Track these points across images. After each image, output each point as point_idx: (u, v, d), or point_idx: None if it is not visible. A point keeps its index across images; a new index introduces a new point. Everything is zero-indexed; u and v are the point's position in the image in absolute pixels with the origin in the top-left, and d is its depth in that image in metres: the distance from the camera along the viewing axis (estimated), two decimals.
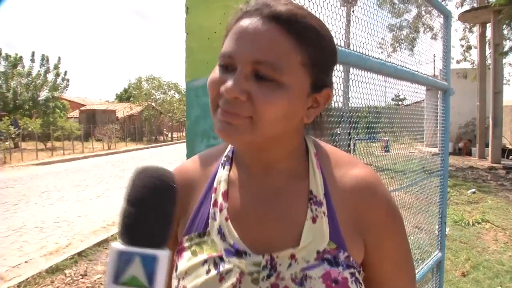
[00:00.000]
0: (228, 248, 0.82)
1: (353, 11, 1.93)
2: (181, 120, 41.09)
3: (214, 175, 0.91)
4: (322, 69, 0.81)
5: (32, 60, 27.67)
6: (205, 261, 0.82)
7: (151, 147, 29.32)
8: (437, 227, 2.99)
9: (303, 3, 1.35)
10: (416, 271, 2.48)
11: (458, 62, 21.32)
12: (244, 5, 0.80)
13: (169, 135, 40.19)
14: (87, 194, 10.65)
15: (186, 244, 0.86)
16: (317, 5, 1.46)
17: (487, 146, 16.37)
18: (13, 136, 22.13)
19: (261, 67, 0.73)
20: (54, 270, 5.14)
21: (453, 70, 16.91)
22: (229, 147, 0.94)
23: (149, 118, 36.76)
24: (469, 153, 17.97)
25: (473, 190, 9.88)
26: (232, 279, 0.79)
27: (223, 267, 0.80)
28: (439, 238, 2.96)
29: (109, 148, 25.95)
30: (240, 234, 0.83)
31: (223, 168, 0.91)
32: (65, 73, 29.07)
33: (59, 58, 29.13)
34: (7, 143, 20.21)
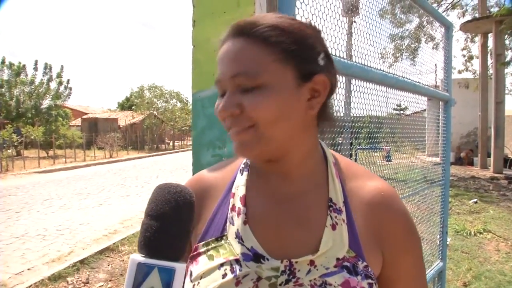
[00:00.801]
0: (246, 252, 0.82)
1: (354, 22, 1.95)
2: (183, 129, 41.09)
3: (232, 181, 0.93)
4: (302, 58, 0.81)
5: (35, 69, 27.80)
6: (222, 265, 0.82)
7: (153, 155, 29.31)
8: (438, 236, 3.00)
9: (304, 15, 1.38)
10: None
11: (460, 72, 21.35)
12: (227, 30, 0.84)
13: (171, 144, 40.18)
14: (89, 202, 10.65)
15: (201, 250, 0.86)
16: (318, 17, 1.48)
17: (489, 156, 16.35)
18: (15, 144, 22.16)
19: (238, 79, 0.78)
20: (56, 278, 5.15)
21: (455, 80, 16.98)
22: None
23: (151, 126, 36.78)
24: (471, 163, 17.94)
25: (475, 200, 9.86)
26: (249, 284, 0.79)
27: (240, 270, 0.80)
28: (441, 248, 2.97)
29: (110, 157, 25.96)
30: (259, 238, 0.83)
31: (241, 174, 0.93)
32: (68, 81, 29.16)
33: (62, 66, 29.22)
34: (9, 151, 20.24)
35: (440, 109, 3.06)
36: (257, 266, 0.80)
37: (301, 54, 0.81)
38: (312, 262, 0.79)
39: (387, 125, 2.45)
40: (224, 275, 0.80)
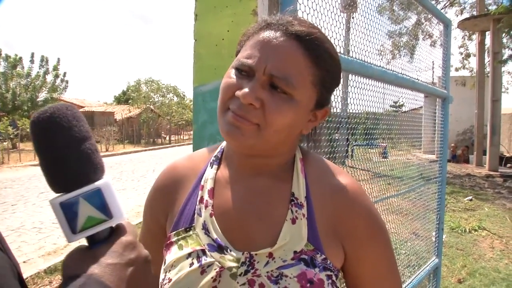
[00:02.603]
0: (211, 243, 0.86)
1: (353, 18, 1.96)
2: (180, 123, 41.02)
3: (202, 174, 0.96)
4: (328, 90, 0.88)
5: (32, 61, 27.64)
6: (189, 254, 0.86)
7: (149, 149, 29.25)
8: (434, 233, 3.02)
9: (303, 10, 1.39)
10: (413, 277, 2.51)
11: (457, 69, 21.37)
12: (268, 17, 0.86)
13: (167, 138, 40.12)
14: None
15: (173, 239, 0.90)
16: (317, 12, 1.49)
17: (484, 154, 16.41)
18: (11, 136, 22.07)
19: (277, 80, 0.79)
20: (52, 271, 5.14)
21: (452, 78, 16.96)
22: (219, 148, 1.00)
23: (148, 120, 36.68)
24: (467, 161, 18.00)
25: (470, 197, 9.90)
26: (212, 273, 0.82)
27: (205, 260, 0.84)
28: (436, 245, 2.99)
29: (106, 150, 25.90)
30: (223, 230, 0.87)
31: (211, 167, 0.96)
32: (64, 74, 29.03)
33: (59, 59, 29.04)
34: (5, 143, 20.16)
35: (437, 106, 3.07)
36: (220, 257, 0.84)
37: (329, 85, 0.88)
38: (270, 255, 0.83)
39: (384, 122, 2.46)
40: (191, 264, 0.85)
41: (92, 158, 0.63)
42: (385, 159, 2.63)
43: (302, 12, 1.37)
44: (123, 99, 50.43)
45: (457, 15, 20.57)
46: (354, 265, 0.89)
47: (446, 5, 19.92)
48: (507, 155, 17.95)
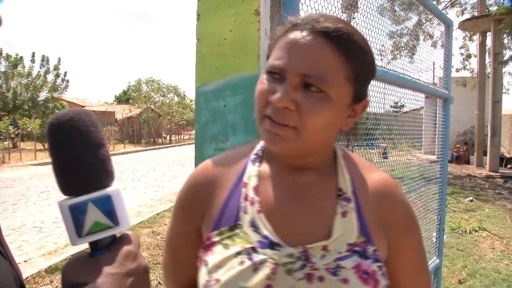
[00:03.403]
0: (262, 240, 0.84)
1: (353, 18, 1.96)
2: (180, 123, 41.03)
3: (242, 171, 0.95)
4: (363, 83, 0.88)
5: (33, 61, 27.61)
6: (238, 253, 0.84)
7: (150, 149, 29.25)
8: (435, 234, 3.02)
9: (305, 10, 1.39)
10: None
11: (457, 70, 21.38)
12: (293, 18, 0.85)
13: (168, 138, 40.13)
14: None
15: (215, 239, 0.88)
16: (319, 12, 1.49)
17: (485, 154, 16.40)
18: (12, 136, 22.08)
19: (310, 79, 0.79)
20: (53, 270, 5.14)
21: (453, 78, 16.93)
22: (258, 146, 0.99)
23: (148, 120, 36.70)
24: (467, 161, 18.00)
25: (471, 198, 9.90)
26: (266, 270, 0.81)
27: (257, 258, 0.82)
28: (437, 245, 2.99)
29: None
30: (273, 226, 0.85)
31: (253, 164, 0.95)
32: (65, 74, 28.97)
33: (59, 59, 28.99)
34: (6, 143, 20.15)
35: (438, 107, 3.07)
36: (274, 253, 0.82)
37: (365, 78, 0.88)
38: (325, 248, 0.83)
39: (384, 122, 2.46)
40: (242, 263, 0.82)
41: (106, 164, 0.64)
42: (386, 160, 2.63)
43: (304, 12, 1.38)
44: (123, 98, 50.46)
45: (458, 16, 20.59)
46: (394, 257, 0.90)
47: (447, 5, 19.91)
48: (508, 156, 17.93)
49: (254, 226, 0.86)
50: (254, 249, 0.84)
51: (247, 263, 0.82)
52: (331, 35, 0.80)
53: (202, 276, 0.87)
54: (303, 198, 0.89)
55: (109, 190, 0.63)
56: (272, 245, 0.83)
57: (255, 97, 0.85)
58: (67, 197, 0.63)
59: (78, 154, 0.62)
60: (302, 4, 1.35)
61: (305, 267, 0.81)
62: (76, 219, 0.61)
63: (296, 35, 0.81)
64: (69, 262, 0.64)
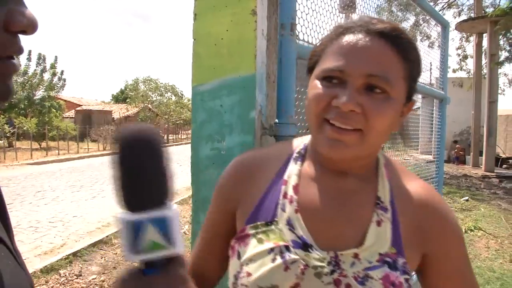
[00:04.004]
0: (296, 239, 0.84)
1: (351, 18, 1.96)
2: (177, 122, 41.01)
3: (283, 168, 0.94)
4: (415, 81, 0.88)
5: (29, 59, 27.49)
6: (272, 250, 0.84)
7: None
8: None
9: (302, 10, 1.39)
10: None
11: (454, 71, 21.48)
12: (343, 22, 0.86)
13: (165, 137, 40.11)
14: (82, 194, 10.62)
15: (250, 231, 0.88)
16: (316, 12, 1.49)
17: (481, 154, 16.47)
18: (7, 135, 22.01)
19: (374, 80, 0.79)
20: (48, 270, 5.13)
21: (449, 79, 17.01)
22: (302, 144, 0.98)
23: (145, 119, 36.65)
24: (463, 162, 18.07)
25: (467, 198, 9.94)
26: (297, 270, 0.81)
27: (289, 257, 0.82)
28: None
29: (104, 149, 25.86)
30: (309, 228, 0.85)
31: (295, 163, 0.94)
32: (62, 72, 28.87)
33: (56, 57, 28.87)
34: (1, 142, 20.11)
35: (434, 107, 3.08)
36: (305, 255, 0.83)
37: (416, 76, 0.89)
38: (356, 255, 0.83)
39: None
40: (274, 260, 0.83)
41: (169, 184, 0.64)
42: None
43: (301, 12, 1.38)
44: (121, 98, 50.40)
45: (455, 17, 20.69)
46: (442, 267, 0.89)
47: (444, 6, 20.00)
48: (503, 156, 18.03)
49: (290, 224, 0.86)
50: (287, 248, 0.84)
51: (279, 260, 0.82)
52: (388, 35, 0.81)
53: (234, 266, 0.89)
54: (341, 203, 0.89)
55: (168, 211, 0.63)
56: (305, 246, 0.84)
57: (310, 102, 0.84)
58: (126, 211, 0.63)
59: (148, 172, 0.62)
60: (299, 4, 1.35)
61: (335, 272, 0.81)
62: (135, 236, 0.62)
63: (353, 37, 0.81)
64: (122, 279, 0.65)
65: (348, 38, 0.81)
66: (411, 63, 0.84)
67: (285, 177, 0.92)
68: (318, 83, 0.83)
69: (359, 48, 0.80)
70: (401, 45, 0.82)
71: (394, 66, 0.81)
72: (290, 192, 0.90)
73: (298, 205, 0.88)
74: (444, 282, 0.90)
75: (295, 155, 0.96)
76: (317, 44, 0.89)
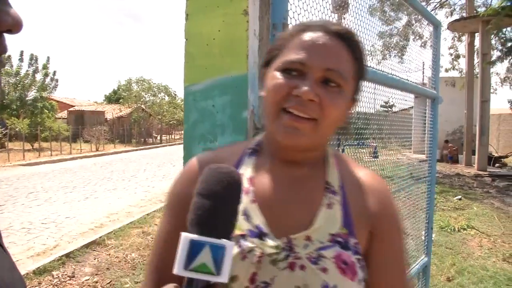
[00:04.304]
0: (252, 229, 0.88)
1: (344, 18, 1.96)
2: (171, 122, 40.91)
3: (238, 163, 0.98)
4: (360, 82, 0.96)
5: (21, 60, 27.28)
6: None
7: (140, 149, 29.15)
8: (423, 232, 3.04)
9: (294, 10, 1.39)
10: None
11: (446, 70, 21.62)
12: (303, 22, 0.94)
13: (158, 138, 39.99)
14: (75, 195, 10.57)
15: None
16: (308, 12, 1.49)
17: (473, 153, 16.56)
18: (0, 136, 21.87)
19: (331, 74, 0.86)
20: (41, 271, 5.11)
21: (442, 78, 17.16)
22: (254, 141, 1.03)
23: (139, 120, 36.54)
24: (456, 161, 18.17)
25: (459, 196, 10.00)
26: (253, 258, 0.85)
27: (246, 245, 0.86)
28: (426, 243, 3.01)
29: (97, 150, 25.77)
30: (265, 216, 0.89)
31: (249, 157, 0.99)
32: (54, 73, 28.69)
33: (48, 58, 28.68)
34: None
35: (427, 107, 3.09)
36: (261, 243, 0.87)
37: (362, 77, 0.96)
38: (308, 238, 0.87)
39: (374, 122, 2.47)
40: None
41: (234, 220, 0.73)
42: (376, 159, 2.64)
43: (293, 12, 1.38)
44: (113, 98, 50.13)
45: (447, 17, 20.80)
46: (374, 252, 0.93)
47: (436, 6, 20.10)
48: (496, 155, 18.15)
49: (246, 215, 0.89)
50: (243, 237, 0.87)
51: (236, 250, 0.85)
52: (344, 36, 0.89)
53: None
54: (295, 190, 0.93)
55: (226, 242, 0.69)
56: (261, 235, 0.87)
57: (270, 92, 0.88)
58: (191, 231, 0.70)
59: (227, 205, 0.72)
60: (291, 4, 1.35)
61: (289, 257, 0.85)
62: (190, 253, 0.67)
63: (313, 35, 0.88)
64: None
65: (309, 35, 0.88)
66: (360, 64, 0.93)
67: (240, 170, 0.96)
68: (278, 74, 0.88)
69: (319, 44, 0.87)
70: (353, 47, 0.91)
71: (347, 64, 0.89)
72: (246, 184, 0.93)
73: (255, 195, 0.92)
74: (382, 262, 0.93)
75: (249, 150, 1.01)
76: (275, 40, 0.95)
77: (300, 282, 0.84)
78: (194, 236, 0.68)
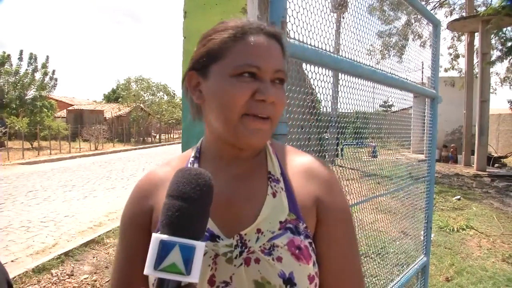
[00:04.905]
0: None
1: (343, 17, 1.96)
2: (170, 122, 40.89)
3: None
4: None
5: (20, 59, 27.29)
6: None
7: (139, 148, 29.14)
8: (422, 232, 3.04)
9: (293, 8, 1.39)
10: (401, 275, 2.53)
11: (446, 70, 21.58)
12: (238, 24, 0.92)
13: (157, 137, 39.98)
14: (74, 194, 10.57)
15: None
16: (308, 11, 1.49)
17: (472, 154, 16.56)
18: None
19: (279, 74, 0.91)
20: (40, 270, 5.10)
21: (441, 78, 17.15)
22: (195, 148, 1.05)
23: (137, 119, 36.52)
24: (455, 161, 18.17)
25: (458, 197, 10.00)
26: (208, 261, 0.87)
27: None
28: (425, 243, 3.01)
29: (96, 149, 25.76)
30: (214, 219, 0.90)
31: (193, 165, 1.00)
32: (53, 72, 28.70)
33: (47, 57, 28.71)
34: None
35: (426, 107, 3.09)
36: (214, 245, 0.89)
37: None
38: (259, 230, 0.89)
39: (374, 121, 2.47)
40: None
41: (205, 222, 0.76)
42: (375, 159, 2.64)
43: (292, 10, 1.38)
44: (112, 97, 50.06)
45: (447, 16, 20.79)
46: (322, 236, 0.94)
47: (436, 6, 20.08)
48: (495, 155, 18.14)
49: None
50: None
51: None
52: (277, 37, 0.93)
53: (150, 277, 0.89)
54: (240, 187, 0.96)
55: (197, 242, 0.70)
56: (213, 237, 0.89)
57: (230, 98, 0.88)
58: (163, 232, 0.71)
59: (196, 206, 0.73)
60: (290, 2, 1.35)
61: (243, 253, 0.87)
62: (159, 253, 0.68)
63: (256, 38, 0.90)
64: None
65: (254, 38, 0.90)
66: (286, 58, 0.97)
67: None
68: (234, 80, 0.88)
69: (266, 47, 0.90)
70: (283, 45, 0.95)
71: (284, 61, 0.94)
72: None
73: None
74: (328, 246, 0.94)
75: (191, 159, 1.03)
76: (209, 43, 0.93)
77: (258, 276, 0.85)
78: (164, 237, 0.69)
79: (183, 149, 1.34)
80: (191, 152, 1.06)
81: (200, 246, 0.70)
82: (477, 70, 17.17)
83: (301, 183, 0.96)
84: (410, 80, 2.55)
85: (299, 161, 1.00)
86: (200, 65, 0.93)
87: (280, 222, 0.89)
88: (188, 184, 0.74)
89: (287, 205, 0.91)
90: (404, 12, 3.11)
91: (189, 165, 1.00)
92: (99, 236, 6.51)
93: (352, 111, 2.00)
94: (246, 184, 0.96)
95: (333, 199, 0.95)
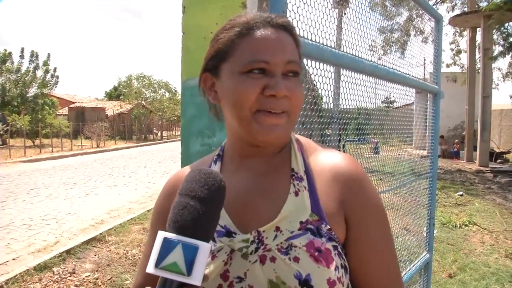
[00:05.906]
0: (219, 229, 0.89)
1: (344, 13, 1.94)
2: (171, 119, 40.91)
3: None
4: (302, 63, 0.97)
5: (22, 56, 27.36)
6: None
7: (141, 145, 29.17)
8: (425, 228, 3.02)
9: (293, 2, 1.37)
10: (404, 272, 2.51)
11: (448, 66, 21.54)
12: (244, 19, 0.90)
13: (159, 134, 40.00)
14: (75, 192, 10.58)
15: None
16: (309, 6, 1.47)
17: (475, 149, 16.53)
18: (1, 132, 21.87)
19: (291, 66, 0.88)
20: (42, 268, 5.10)
21: (443, 74, 17.12)
22: (220, 148, 1.05)
23: (139, 116, 36.55)
24: (458, 156, 18.15)
25: (461, 192, 9.98)
26: (223, 256, 0.87)
27: (214, 246, 0.88)
28: (427, 240, 2.99)
29: (98, 146, 25.78)
30: (231, 216, 0.91)
31: (215, 164, 1.02)
32: (55, 69, 28.78)
33: (49, 54, 28.76)
34: None
35: (428, 102, 3.07)
36: (230, 240, 0.88)
37: (301, 59, 0.98)
38: (277, 228, 0.87)
39: (376, 117, 2.45)
40: None
41: (214, 224, 0.74)
42: (377, 155, 2.62)
43: (292, 5, 1.36)
44: (114, 94, 50.09)
45: (449, 12, 20.70)
46: (359, 234, 0.90)
47: (438, 1, 20.01)
48: (497, 150, 18.11)
49: None
50: (212, 239, 0.86)
51: None
52: (287, 28, 0.91)
53: None
54: (260, 185, 0.94)
55: (200, 243, 0.68)
56: (228, 234, 0.89)
57: (241, 96, 0.86)
58: (169, 230, 0.70)
59: (205, 205, 0.71)
60: None
61: (259, 249, 0.86)
62: (162, 251, 0.67)
63: (264, 32, 0.88)
64: None
65: (262, 32, 0.88)
66: (299, 48, 0.94)
67: None
68: (244, 77, 0.86)
69: (274, 40, 0.87)
70: (295, 36, 0.93)
71: (296, 52, 0.91)
72: None
73: None
74: (362, 251, 0.90)
75: (214, 158, 1.04)
76: (217, 44, 0.93)
77: (272, 275, 0.83)
78: (168, 234, 0.68)
79: (182, 146, 1.32)
80: (213, 153, 1.07)
81: (204, 247, 0.68)
82: (479, 65, 17.11)
83: (325, 183, 0.91)
84: (412, 76, 2.53)
85: (325, 159, 0.95)
86: (211, 66, 0.94)
87: (301, 222, 0.86)
88: (196, 182, 0.73)
89: (309, 205, 0.88)
90: (406, 7, 3.08)
91: (212, 164, 1.02)
92: (100, 233, 6.50)
93: (354, 107, 1.98)
94: (267, 181, 0.94)
95: (362, 201, 0.91)
